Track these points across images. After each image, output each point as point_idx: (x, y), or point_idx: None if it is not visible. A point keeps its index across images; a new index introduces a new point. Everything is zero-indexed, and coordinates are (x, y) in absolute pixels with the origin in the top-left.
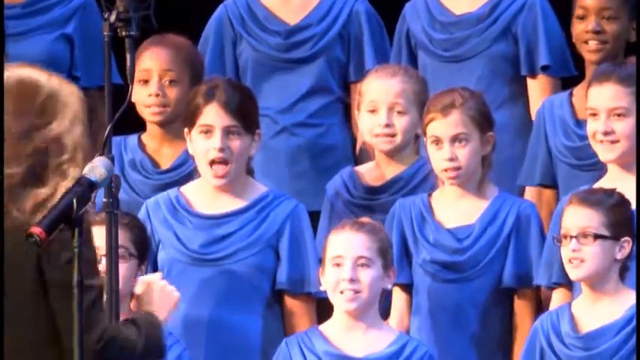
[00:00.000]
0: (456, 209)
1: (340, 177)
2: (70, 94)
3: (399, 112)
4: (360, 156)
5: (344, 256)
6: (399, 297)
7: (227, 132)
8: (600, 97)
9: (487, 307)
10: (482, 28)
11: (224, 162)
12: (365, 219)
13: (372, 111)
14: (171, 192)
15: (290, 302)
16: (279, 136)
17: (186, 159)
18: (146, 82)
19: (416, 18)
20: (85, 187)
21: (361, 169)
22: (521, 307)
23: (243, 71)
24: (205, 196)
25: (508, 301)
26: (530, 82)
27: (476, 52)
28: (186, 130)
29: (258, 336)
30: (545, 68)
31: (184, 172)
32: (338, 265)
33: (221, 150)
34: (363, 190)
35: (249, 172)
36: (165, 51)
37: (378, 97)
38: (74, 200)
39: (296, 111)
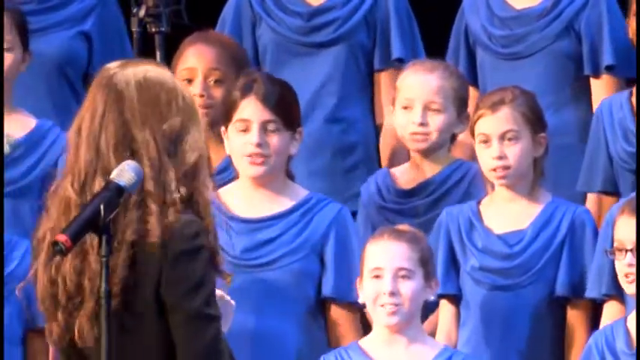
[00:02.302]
0: (506, 214)
1: (374, 180)
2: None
3: (435, 110)
4: (391, 155)
5: (383, 267)
6: (446, 310)
7: (265, 127)
8: None
9: (539, 317)
10: (543, 24)
11: (261, 157)
12: (404, 226)
13: (407, 107)
14: None
15: (335, 312)
16: None
17: (230, 163)
18: (189, 81)
19: (475, 12)
20: (113, 193)
21: (396, 170)
22: (575, 318)
23: (262, 57)
24: (244, 198)
25: (561, 311)
26: (593, 82)
27: (536, 49)
28: (223, 128)
29: (300, 346)
30: (609, 68)
31: (228, 177)
32: (377, 277)
33: (258, 145)
34: (395, 194)
35: (290, 176)
36: (211, 49)
37: (414, 94)
38: (101, 206)
39: (316, 103)
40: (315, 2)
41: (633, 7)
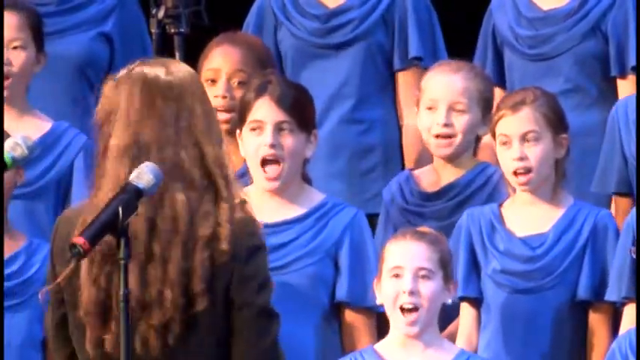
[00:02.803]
0: (528, 217)
1: (397, 181)
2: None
3: (459, 111)
4: (415, 155)
5: (403, 266)
6: (467, 313)
7: (279, 128)
8: None
9: (560, 321)
10: (569, 25)
11: (275, 161)
12: (425, 228)
13: (431, 108)
14: None
15: (350, 316)
16: None
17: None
18: (213, 81)
19: (502, 13)
20: (132, 195)
21: (419, 172)
22: (597, 322)
23: (284, 62)
24: (259, 203)
25: (582, 315)
26: (620, 83)
27: (563, 50)
28: (237, 131)
29: (314, 350)
30: (636, 69)
31: (246, 182)
32: (397, 275)
33: (272, 146)
34: (417, 196)
35: (306, 179)
36: (238, 50)
37: (438, 95)
38: (120, 209)
39: (335, 104)
40: (332, 4)
41: None
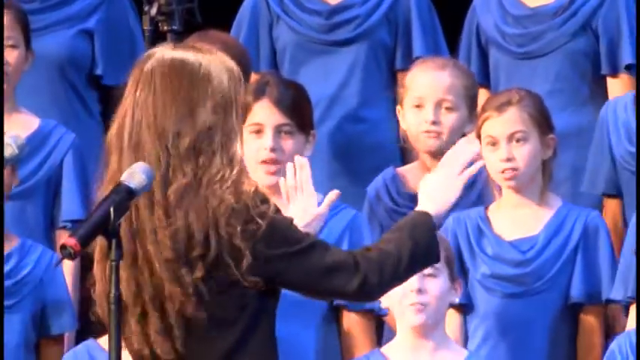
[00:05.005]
0: (516, 220)
1: (382, 179)
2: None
3: (447, 109)
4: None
5: None
6: (452, 320)
7: (279, 131)
8: None
9: (552, 325)
10: (559, 22)
11: (275, 163)
12: None
13: (418, 106)
14: None
15: (348, 319)
16: (317, 130)
17: None
18: None
19: (487, 11)
20: (123, 195)
21: (404, 170)
22: (590, 325)
23: (281, 57)
24: None
25: (574, 319)
26: (610, 81)
27: (552, 48)
28: None
29: (315, 353)
30: (628, 67)
31: None
32: None
33: (272, 150)
34: (404, 197)
35: None
36: None
37: (425, 92)
38: (111, 210)
39: (337, 102)
40: (334, 0)
41: None
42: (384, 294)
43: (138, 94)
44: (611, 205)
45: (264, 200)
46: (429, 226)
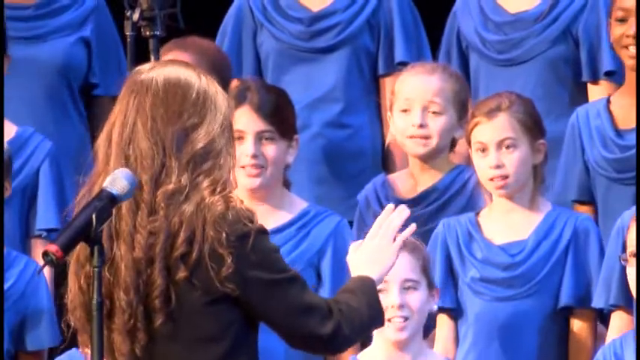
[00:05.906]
0: (506, 225)
1: (373, 186)
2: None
3: (434, 113)
4: (386, 161)
5: (389, 280)
6: (443, 324)
7: (260, 137)
8: None
9: (541, 329)
10: (539, 29)
11: (257, 168)
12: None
13: (406, 110)
14: None
15: None
16: (300, 136)
17: None
18: None
19: (467, 17)
20: (106, 202)
21: (394, 177)
22: (580, 329)
23: (264, 64)
24: None
25: (563, 323)
26: (591, 88)
27: (533, 54)
28: None
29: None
30: (609, 74)
31: None
32: (380, 291)
33: (254, 156)
34: (394, 203)
35: (287, 185)
36: (187, 55)
37: (413, 96)
38: (93, 216)
39: (320, 108)
40: (316, 7)
41: (615, 14)
42: (349, 347)
43: (132, 100)
44: (584, 213)
45: (252, 219)
46: (375, 290)
